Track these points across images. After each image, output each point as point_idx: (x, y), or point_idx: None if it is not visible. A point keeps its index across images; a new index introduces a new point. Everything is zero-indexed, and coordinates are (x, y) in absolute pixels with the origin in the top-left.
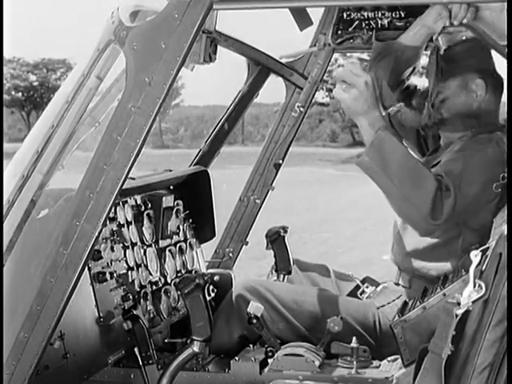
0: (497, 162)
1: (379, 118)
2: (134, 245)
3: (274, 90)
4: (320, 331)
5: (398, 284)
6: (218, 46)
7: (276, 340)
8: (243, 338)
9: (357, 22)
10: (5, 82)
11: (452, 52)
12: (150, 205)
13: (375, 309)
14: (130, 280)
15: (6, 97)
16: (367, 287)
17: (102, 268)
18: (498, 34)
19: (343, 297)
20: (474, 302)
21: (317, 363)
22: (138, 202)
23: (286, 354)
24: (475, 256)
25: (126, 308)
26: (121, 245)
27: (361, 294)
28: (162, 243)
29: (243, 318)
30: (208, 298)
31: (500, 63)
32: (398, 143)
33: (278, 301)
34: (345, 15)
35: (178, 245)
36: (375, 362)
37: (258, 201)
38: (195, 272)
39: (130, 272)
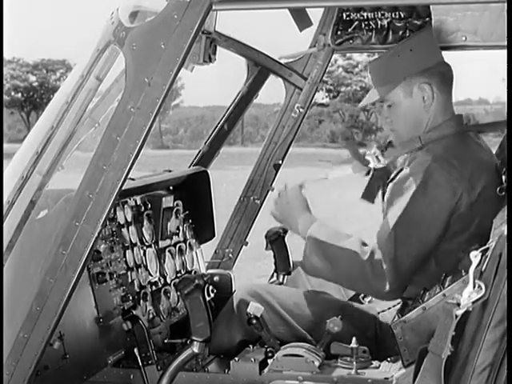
0: (438, 196)
1: (307, 221)
2: (133, 245)
3: (273, 90)
4: (321, 334)
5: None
6: (218, 47)
7: (276, 340)
8: (244, 343)
9: (356, 23)
10: (4, 82)
11: (383, 58)
12: (149, 205)
13: (376, 313)
14: (130, 280)
15: (5, 97)
16: None
17: (102, 268)
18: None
19: (344, 300)
20: (473, 302)
21: (316, 363)
22: (138, 202)
23: (285, 355)
24: (475, 257)
25: (126, 308)
26: (120, 245)
27: (363, 299)
28: (162, 244)
29: (244, 322)
30: (208, 299)
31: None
32: (321, 245)
33: (279, 304)
34: (344, 16)
35: (178, 245)
36: (375, 363)
37: (257, 201)
38: (195, 272)
39: (129, 272)
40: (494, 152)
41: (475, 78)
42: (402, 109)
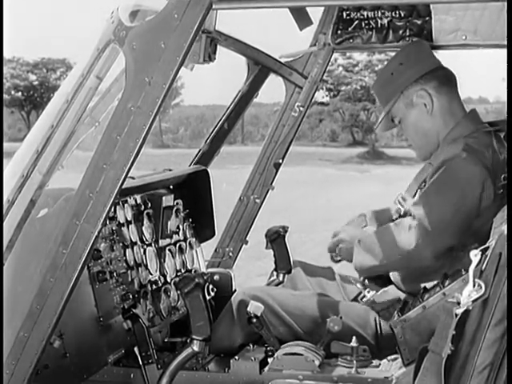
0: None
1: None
2: (133, 244)
3: (273, 89)
4: (321, 335)
5: (398, 287)
6: (218, 46)
7: (276, 339)
8: (244, 346)
9: (356, 22)
10: (5, 81)
11: (380, 79)
12: (149, 204)
13: (376, 312)
14: (130, 279)
15: (5, 96)
16: (368, 292)
17: (102, 267)
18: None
19: (344, 302)
20: (473, 301)
21: (317, 362)
22: (138, 201)
23: (285, 354)
24: (475, 256)
25: (126, 307)
26: (120, 244)
27: (362, 299)
28: (162, 242)
29: (244, 326)
30: (208, 298)
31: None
32: (360, 243)
33: (279, 305)
34: (344, 15)
35: (178, 244)
36: (375, 362)
37: (257, 200)
38: (195, 271)
39: (129, 271)
40: None
41: (475, 77)
42: (410, 120)
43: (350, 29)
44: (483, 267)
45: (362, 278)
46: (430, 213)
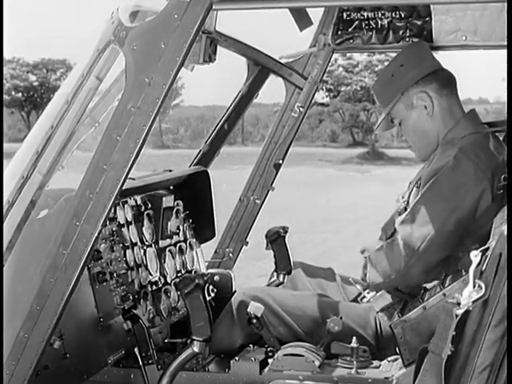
0: (458, 190)
1: None
2: (133, 245)
3: (273, 90)
4: (321, 336)
5: (397, 289)
6: (218, 47)
7: (276, 340)
8: (244, 347)
9: (357, 22)
10: (5, 82)
11: (380, 80)
12: (149, 205)
13: (376, 313)
14: (130, 280)
15: (5, 97)
16: (368, 293)
17: (102, 268)
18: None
19: (344, 302)
20: (473, 302)
21: (317, 363)
22: (138, 202)
23: (286, 354)
24: (475, 256)
25: (126, 308)
26: (121, 245)
27: (361, 300)
28: (162, 243)
29: (245, 327)
30: (208, 298)
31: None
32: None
33: (279, 306)
34: (345, 15)
35: (178, 245)
36: (375, 362)
37: (257, 201)
38: (195, 272)
39: (129, 272)
40: None
41: (475, 78)
42: (410, 122)
43: (350, 29)
44: (483, 268)
45: (361, 279)
46: (415, 231)
